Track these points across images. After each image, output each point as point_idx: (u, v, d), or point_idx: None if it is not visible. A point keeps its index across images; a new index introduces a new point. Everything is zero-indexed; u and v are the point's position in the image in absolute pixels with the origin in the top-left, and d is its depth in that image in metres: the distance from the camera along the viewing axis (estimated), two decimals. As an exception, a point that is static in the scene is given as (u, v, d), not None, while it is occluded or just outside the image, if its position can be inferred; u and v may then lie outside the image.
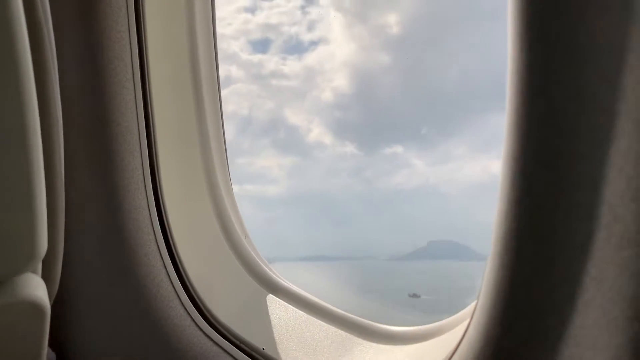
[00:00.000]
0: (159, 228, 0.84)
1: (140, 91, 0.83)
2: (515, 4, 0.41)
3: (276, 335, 0.79)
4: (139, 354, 0.80)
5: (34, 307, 0.43)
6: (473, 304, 0.65)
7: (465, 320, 0.63)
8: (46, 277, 0.49)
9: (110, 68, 0.79)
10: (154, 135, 0.84)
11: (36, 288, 0.43)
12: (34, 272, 0.45)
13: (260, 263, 0.90)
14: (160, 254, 0.83)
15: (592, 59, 0.37)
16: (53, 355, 0.80)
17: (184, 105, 0.90)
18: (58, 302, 0.50)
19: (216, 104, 0.94)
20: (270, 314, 0.83)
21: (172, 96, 0.88)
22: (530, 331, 0.43)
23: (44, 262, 0.47)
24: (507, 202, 0.44)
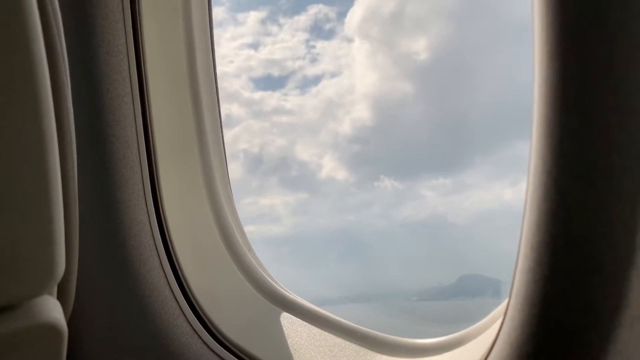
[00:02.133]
0: (161, 243, 0.82)
1: (139, 105, 0.81)
2: (543, 14, 0.41)
3: (288, 351, 0.78)
4: (145, 374, 0.78)
5: (52, 330, 0.42)
6: (493, 314, 0.64)
7: (488, 331, 0.62)
8: (61, 298, 0.48)
9: (108, 82, 0.78)
10: (153, 150, 0.83)
11: (53, 310, 0.42)
12: (50, 293, 0.44)
13: (266, 277, 0.88)
14: (164, 270, 0.81)
15: (632, 69, 0.37)
16: None
17: (183, 119, 0.89)
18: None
19: (215, 117, 0.93)
20: (280, 329, 0.82)
21: (171, 110, 0.87)
22: (568, 347, 0.43)
23: (59, 283, 0.46)
24: (539, 213, 0.43)
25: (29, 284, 0.38)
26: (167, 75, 0.85)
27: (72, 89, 0.78)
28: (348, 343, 0.78)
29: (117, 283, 0.78)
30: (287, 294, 0.86)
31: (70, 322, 0.78)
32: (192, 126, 0.88)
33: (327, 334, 0.79)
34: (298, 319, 0.83)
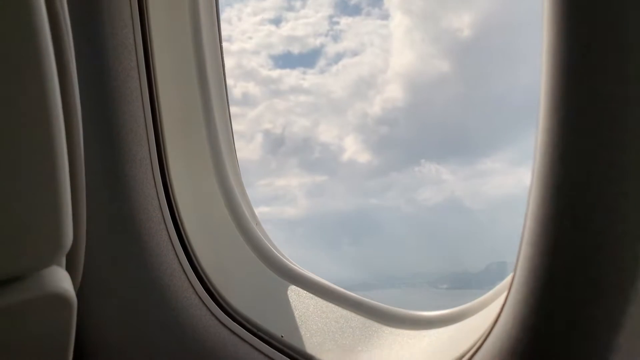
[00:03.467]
0: (170, 217, 0.83)
1: (146, 79, 0.81)
2: None
3: (295, 322, 0.79)
4: (156, 344, 0.80)
5: (61, 300, 0.43)
6: (498, 288, 0.65)
7: (493, 304, 0.63)
8: (70, 269, 0.49)
9: (114, 56, 0.78)
10: (160, 124, 0.83)
11: (62, 280, 0.43)
12: (59, 264, 0.45)
13: (274, 250, 0.89)
14: (172, 244, 0.82)
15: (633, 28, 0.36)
16: None
17: (189, 93, 0.89)
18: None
19: (222, 90, 0.92)
20: (287, 302, 0.83)
21: (177, 84, 0.87)
22: (572, 320, 0.43)
23: (67, 254, 0.47)
24: (545, 188, 0.43)
25: (37, 254, 0.39)
26: (173, 49, 0.85)
27: (77, 63, 0.79)
28: (354, 315, 0.78)
29: (126, 256, 0.79)
30: (294, 267, 0.87)
31: (79, 294, 0.80)
32: (199, 100, 0.88)
33: (333, 306, 0.80)
34: (305, 292, 0.84)
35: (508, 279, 0.56)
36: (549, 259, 0.44)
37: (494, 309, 0.57)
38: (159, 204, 0.82)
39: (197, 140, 0.89)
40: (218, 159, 0.90)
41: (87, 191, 0.77)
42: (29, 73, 0.37)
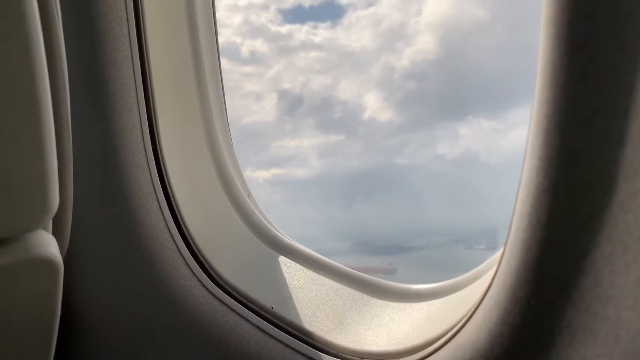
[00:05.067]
0: (160, 187, 0.82)
1: (137, 46, 0.79)
2: None
3: (285, 294, 0.79)
4: (144, 314, 0.80)
5: (48, 264, 0.43)
6: (489, 260, 0.65)
7: (484, 277, 0.63)
8: (56, 233, 0.49)
9: (105, 22, 0.76)
10: (152, 93, 0.82)
11: (48, 244, 0.43)
12: (45, 228, 0.45)
13: (265, 222, 0.89)
14: (162, 214, 0.82)
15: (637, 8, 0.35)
16: None
17: (181, 61, 0.87)
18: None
19: (214, 56, 0.91)
20: (278, 273, 0.83)
21: (169, 51, 0.85)
22: (561, 292, 0.43)
23: (54, 218, 0.47)
24: (539, 159, 0.43)
25: (23, 217, 0.38)
26: (164, 14, 0.83)
27: (66, 29, 0.77)
28: (344, 287, 0.79)
29: (115, 225, 0.79)
30: (285, 238, 0.87)
31: (68, 261, 0.80)
32: (191, 69, 0.87)
33: (324, 278, 0.80)
34: (296, 263, 0.84)
35: (499, 252, 0.56)
36: (540, 230, 0.43)
37: (484, 282, 0.57)
38: (150, 173, 0.81)
39: (188, 109, 0.88)
40: (210, 128, 0.89)
41: (77, 161, 0.77)
42: (14, 36, 0.36)
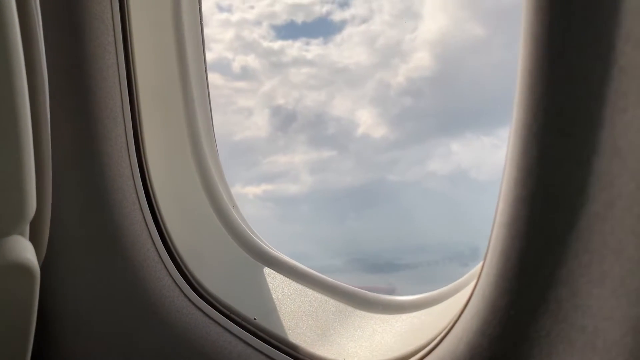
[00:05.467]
0: (144, 197, 0.81)
1: (123, 55, 0.79)
2: None
3: (268, 306, 0.79)
4: (125, 324, 0.79)
5: (24, 270, 0.42)
6: (472, 272, 0.65)
7: (466, 288, 0.63)
8: (34, 239, 0.48)
9: (91, 31, 0.76)
10: (137, 101, 0.81)
11: (24, 250, 0.43)
12: (22, 234, 0.44)
13: (250, 233, 0.88)
14: (146, 224, 0.81)
15: (616, 19, 0.36)
16: None
17: (167, 71, 0.87)
18: (41, 269, 0.48)
19: (201, 69, 0.91)
20: (261, 284, 0.82)
21: (155, 61, 0.85)
22: (540, 301, 0.43)
23: (31, 225, 0.46)
24: (517, 169, 0.43)
25: None
26: (151, 23, 0.83)
27: (51, 36, 0.77)
28: (328, 299, 0.78)
29: (98, 234, 0.78)
30: (270, 250, 0.86)
31: (48, 270, 0.79)
32: (177, 78, 0.87)
33: (308, 289, 0.80)
34: (280, 275, 0.83)
35: (481, 263, 0.56)
36: (520, 240, 0.43)
37: (466, 293, 0.56)
38: (134, 183, 0.81)
39: (174, 119, 0.88)
40: (195, 139, 0.89)
41: (60, 169, 0.76)
42: None
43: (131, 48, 0.80)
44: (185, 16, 0.86)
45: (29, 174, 0.39)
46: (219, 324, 0.76)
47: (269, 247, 0.87)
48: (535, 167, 0.42)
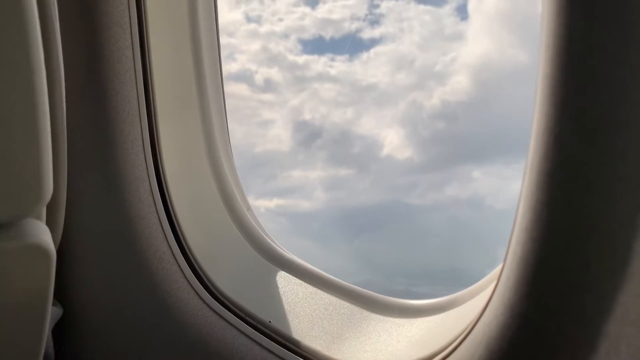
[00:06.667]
0: (160, 200, 0.82)
1: (140, 59, 0.80)
2: None
3: (283, 308, 0.79)
4: (142, 325, 0.79)
5: (40, 252, 0.43)
6: (488, 276, 0.65)
7: (483, 293, 0.63)
8: (50, 224, 0.49)
9: (109, 34, 0.77)
10: (154, 105, 0.82)
11: (42, 233, 0.44)
12: (39, 218, 0.45)
13: (264, 236, 0.89)
14: (162, 227, 0.82)
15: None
16: (61, 309, 0.79)
17: (184, 75, 0.88)
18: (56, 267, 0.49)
19: (217, 74, 0.92)
20: (276, 287, 0.83)
21: (172, 65, 0.86)
22: (561, 306, 0.42)
23: (47, 209, 0.47)
24: (538, 173, 0.43)
25: (16, 204, 0.38)
26: (168, 28, 0.84)
27: (70, 39, 0.78)
28: (343, 302, 0.78)
29: (115, 237, 0.79)
30: (285, 253, 0.87)
31: (66, 267, 0.80)
32: (193, 82, 0.87)
33: (322, 292, 0.80)
34: (295, 278, 0.83)
35: (499, 267, 0.56)
36: (540, 244, 0.43)
37: (483, 297, 0.56)
38: (150, 186, 0.81)
39: (190, 123, 0.88)
40: (211, 143, 0.90)
41: (78, 171, 0.77)
42: (14, 38, 0.36)
43: (148, 52, 0.81)
44: (202, 22, 0.86)
45: (46, 158, 0.40)
46: (234, 326, 0.76)
47: (283, 250, 0.87)
48: (557, 170, 0.42)
